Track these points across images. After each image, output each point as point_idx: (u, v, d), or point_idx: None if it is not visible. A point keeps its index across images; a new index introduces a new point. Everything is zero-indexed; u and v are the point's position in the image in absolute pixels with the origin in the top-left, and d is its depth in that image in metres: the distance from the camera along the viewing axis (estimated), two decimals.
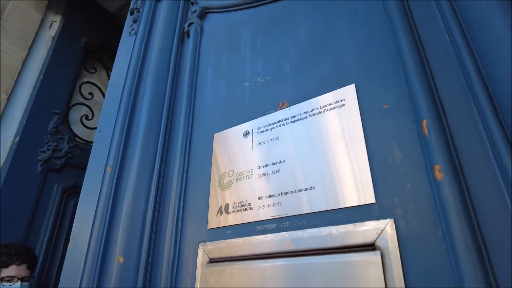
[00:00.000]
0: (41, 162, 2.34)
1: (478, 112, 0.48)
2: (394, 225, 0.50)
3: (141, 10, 1.31)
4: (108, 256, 0.81)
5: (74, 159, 2.55)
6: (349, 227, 0.53)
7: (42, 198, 2.32)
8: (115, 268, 0.77)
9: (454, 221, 0.44)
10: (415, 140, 0.53)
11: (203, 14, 1.09)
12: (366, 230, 0.51)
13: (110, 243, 0.84)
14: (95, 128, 2.86)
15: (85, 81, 2.86)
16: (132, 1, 1.37)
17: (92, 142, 2.77)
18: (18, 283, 1.68)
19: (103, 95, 3.00)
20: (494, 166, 0.44)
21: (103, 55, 3.07)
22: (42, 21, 2.67)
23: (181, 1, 1.21)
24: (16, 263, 1.70)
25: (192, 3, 1.15)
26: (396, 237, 0.49)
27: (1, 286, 1.66)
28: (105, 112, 1.13)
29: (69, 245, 0.93)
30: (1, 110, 2.23)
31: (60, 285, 0.88)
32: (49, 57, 2.60)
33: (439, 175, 0.47)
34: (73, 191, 2.51)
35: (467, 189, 0.46)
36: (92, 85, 2.92)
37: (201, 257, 0.68)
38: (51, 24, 2.77)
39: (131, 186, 0.87)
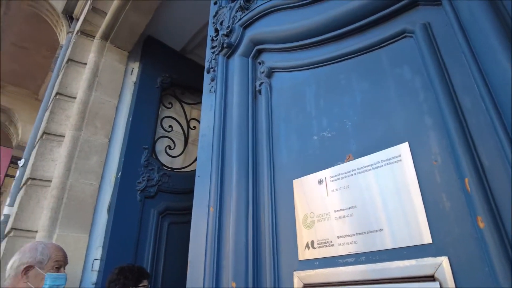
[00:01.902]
0: (139, 191, 2.79)
1: None
2: (448, 261, 0.65)
3: (216, 68, 1.57)
4: (222, 282, 1.07)
5: (164, 186, 2.97)
6: (412, 261, 0.70)
7: (143, 223, 2.75)
8: None
9: (496, 262, 0.59)
10: (460, 193, 0.67)
11: (271, 73, 1.31)
12: (426, 264, 0.68)
13: (221, 270, 1.09)
14: (177, 156, 3.29)
15: (164, 116, 3.29)
16: (206, 62, 1.64)
17: (176, 169, 3.20)
18: None
19: (181, 126, 3.42)
20: None
21: (176, 90, 3.50)
22: (125, 70, 3.15)
23: (249, 60, 1.45)
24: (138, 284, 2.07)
25: (260, 63, 1.39)
26: (451, 271, 0.64)
27: None
28: (200, 160, 1.41)
29: (188, 271, 1.21)
30: (106, 152, 2.71)
31: None
32: (134, 100, 3.07)
33: (481, 224, 0.62)
34: (166, 214, 2.94)
35: (506, 236, 0.60)
36: (171, 118, 3.35)
37: (297, 283, 0.89)
38: (132, 71, 3.26)
39: (232, 223, 1.12)
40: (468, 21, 0.79)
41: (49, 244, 1.77)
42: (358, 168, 0.87)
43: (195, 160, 3.43)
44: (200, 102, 3.77)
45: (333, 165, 0.93)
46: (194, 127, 3.62)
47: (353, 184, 0.86)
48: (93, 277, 2.48)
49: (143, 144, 2.95)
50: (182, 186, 3.13)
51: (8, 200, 2.79)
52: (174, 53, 3.65)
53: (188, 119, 3.58)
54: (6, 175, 6.44)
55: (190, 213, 3.13)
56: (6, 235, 2.55)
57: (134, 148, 2.86)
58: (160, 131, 3.23)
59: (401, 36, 0.92)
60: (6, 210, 2.73)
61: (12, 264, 1.67)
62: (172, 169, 3.19)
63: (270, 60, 1.36)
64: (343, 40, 1.06)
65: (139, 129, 2.97)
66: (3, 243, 2.50)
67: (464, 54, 0.77)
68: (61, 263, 1.77)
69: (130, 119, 2.95)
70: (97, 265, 2.51)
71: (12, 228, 2.39)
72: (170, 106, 3.43)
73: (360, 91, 0.95)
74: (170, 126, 3.32)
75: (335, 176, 0.92)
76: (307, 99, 1.11)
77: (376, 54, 0.96)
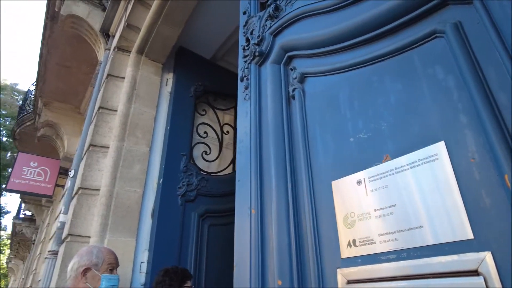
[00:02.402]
0: (180, 196, 2.92)
1: None
2: (492, 256, 0.67)
3: (249, 77, 1.64)
4: (268, 281, 1.13)
5: (202, 190, 3.09)
6: (454, 257, 0.72)
7: (185, 226, 2.88)
8: None
9: None
10: (501, 189, 0.69)
11: (303, 78, 1.36)
12: (468, 259, 0.70)
13: (266, 270, 1.16)
14: (213, 161, 3.41)
15: (199, 122, 3.42)
16: (239, 71, 1.72)
17: (212, 173, 3.31)
18: None
19: (215, 131, 3.54)
20: None
21: (209, 97, 3.62)
22: (161, 81, 3.31)
23: (281, 67, 1.51)
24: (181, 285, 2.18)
25: (291, 69, 1.44)
26: (495, 265, 0.66)
27: None
28: (240, 165, 1.48)
29: (234, 271, 1.28)
30: (148, 160, 2.87)
31: None
32: (170, 109, 3.22)
33: None
34: (206, 216, 3.05)
35: None
36: (205, 125, 3.47)
37: (340, 279, 0.94)
38: (167, 81, 3.42)
39: (274, 224, 1.18)
40: (500, 18, 0.80)
41: (102, 248, 1.92)
42: (396, 168, 0.90)
43: (230, 163, 3.54)
44: (232, 108, 3.90)
45: (371, 166, 0.97)
46: (227, 131, 3.72)
47: (391, 183, 0.89)
48: (141, 278, 2.64)
49: (181, 150, 3.09)
50: (219, 189, 3.24)
51: (62, 209, 3.04)
52: (205, 62, 3.79)
53: (222, 125, 3.69)
54: (56, 185, 6.92)
55: (229, 215, 3.25)
56: (63, 241, 2.78)
57: (173, 155, 3.01)
58: (196, 138, 3.36)
59: (432, 37, 0.94)
60: (61, 217, 2.97)
61: (72, 266, 1.83)
62: (209, 173, 3.31)
63: (301, 65, 1.41)
64: (373, 43, 1.09)
65: (176, 137, 3.11)
66: (61, 248, 2.72)
67: (497, 51, 0.78)
68: (113, 265, 1.92)
69: (168, 127, 3.11)
70: (144, 267, 2.67)
71: (68, 234, 2.60)
72: (204, 113, 3.56)
73: (393, 92, 0.98)
74: (205, 132, 3.44)
75: (373, 176, 0.95)
76: (341, 102, 1.15)
77: (407, 55, 0.98)
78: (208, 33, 3.50)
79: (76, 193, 2.83)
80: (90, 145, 2.87)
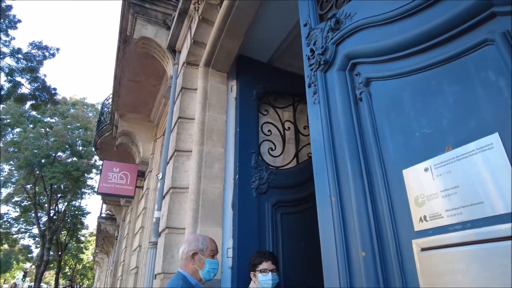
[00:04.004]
0: (254, 189, 3.28)
1: None
2: None
3: (316, 83, 1.90)
4: (352, 253, 1.40)
5: (272, 183, 3.42)
6: (508, 225, 0.93)
7: (260, 215, 3.23)
8: (361, 260, 1.34)
9: None
10: None
11: (368, 83, 1.59)
12: None
13: (349, 244, 1.42)
14: (278, 156, 3.72)
15: (263, 122, 3.74)
16: (306, 78, 1.98)
17: (279, 167, 3.62)
18: (270, 274, 2.53)
19: (277, 129, 3.84)
20: None
21: (269, 97, 3.93)
22: (227, 89, 3.69)
23: (346, 73, 1.74)
24: (265, 261, 2.55)
25: (356, 75, 1.67)
26: None
27: (260, 276, 2.53)
28: (315, 160, 1.75)
29: (322, 248, 1.57)
30: (224, 160, 3.27)
31: (324, 274, 1.51)
32: (238, 113, 3.58)
33: None
34: (278, 206, 3.38)
35: None
36: (268, 124, 3.79)
37: (415, 248, 1.18)
38: (231, 88, 3.78)
39: (354, 208, 1.44)
40: None
41: (206, 236, 2.33)
42: (457, 156, 1.11)
43: (294, 157, 3.82)
44: (290, 105, 4.17)
45: (436, 155, 1.18)
46: (289, 128, 4.01)
47: (454, 169, 1.11)
48: (229, 262, 3.05)
49: (251, 149, 3.45)
50: (287, 181, 3.55)
51: (156, 206, 3.57)
52: (262, 65, 4.10)
53: (283, 122, 3.99)
54: (136, 187, 7.81)
55: (297, 205, 3.56)
56: (160, 233, 3.29)
57: (245, 153, 3.38)
58: (261, 136, 3.70)
59: (484, 45, 1.12)
60: (156, 213, 3.51)
61: (183, 250, 2.26)
62: (276, 167, 3.63)
63: (365, 71, 1.63)
64: (429, 51, 1.29)
65: (245, 137, 3.48)
66: (161, 239, 3.24)
67: None
68: (214, 252, 2.32)
69: (238, 129, 3.48)
70: (230, 252, 3.08)
71: (166, 227, 3.10)
72: (266, 113, 3.88)
73: (451, 93, 1.18)
74: (269, 130, 3.77)
75: (438, 164, 1.17)
76: (404, 102, 1.37)
77: (462, 61, 1.17)
78: (264, 39, 3.80)
79: (167, 192, 3.33)
80: (175, 150, 3.35)
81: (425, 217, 1.17)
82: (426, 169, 1.21)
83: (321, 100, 1.83)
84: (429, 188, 1.18)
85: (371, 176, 1.44)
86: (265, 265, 2.51)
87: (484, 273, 0.97)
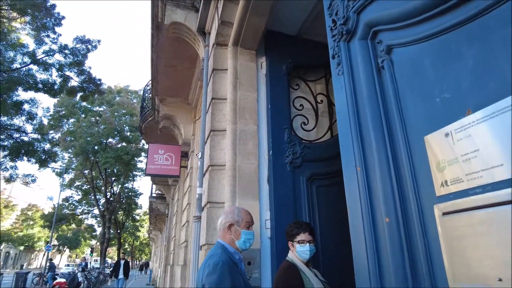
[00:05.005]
0: (288, 163, 3.36)
1: None
2: None
3: (339, 54, 1.89)
4: (377, 218, 1.44)
5: (306, 156, 3.47)
6: None
7: (296, 188, 3.32)
8: (385, 226, 1.39)
9: None
10: None
11: (389, 50, 1.56)
12: None
13: (374, 211, 1.47)
14: (311, 130, 3.74)
15: (295, 96, 3.76)
16: (330, 49, 1.98)
17: (312, 141, 3.65)
18: (307, 245, 2.62)
19: (309, 102, 3.84)
20: None
21: (299, 71, 3.91)
22: (256, 66, 3.72)
23: (368, 42, 1.72)
24: (303, 232, 2.64)
25: (378, 42, 1.64)
26: None
27: (298, 246, 2.63)
28: (341, 132, 1.78)
29: (349, 214, 1.62)
30: (257, 137, 3.36)
31: (352, 239, 1.58)
32: (269, 90, 3.62)
33: None
34: (312, 179, 3.44)
35: None
36: (300, 98, 3.79)
37: (437, 212, 1.20)
38: (261, 65, 3.81)
39: (378, 176, 1.47)
40: None
41: (242, 209, 2.48)
42: (477, 120, 1.09)
43: (328, 130, 3.82)
44: (323, 77, 4.13)
45: (456, 120, 1.17)
46: (321, 101, 3.98)
47: (474, 132, 1.10)
48: (267, 233, 3.21)
49: (283, 124, 3.50)
50: (320, 154, 3.58)
51: (197, 183, 3.80)
52: (291, 38, 4.05)
53: (315, 95, 3.96)
54: (181, 166, 8.25)
55: (332, 177, 3.61)
56: (203, 207, 3.52)
57: (277, 129, 3.45)
58: (293, 111, 3.73)
59: (505, 0, 1.07)
60: (198, 190, 3.73)
61: (221, 221, 2.43)
62: (310, 141, 3.66)
63: (386, 38, 1.60)
64: (450, 12, 1.24)
65: (277, 113, 3.53)
66: (204, 213, 3.46)
67: None
68: (250, 223, 2.46)
69: (269, 106, 3.54)
70: (268, 224, 3.23)
71: (208, 202, 3.31)
72: (297, 87, 3.88)
73: (470, 56, 1.14)
74: (301, 105, 3.78)
75: (458, 128, 1.16)
76: (425, 67, 1.34)
77: (482, 20, 1.13)
78: (291, 12, 3.74)
79: (207, 170, 3.52)
80: (211, 130, 3.50)
81: (446, 182, 1.18)
82: (446, 134, 1.20)
83: (345, 71, 1.82)
84: (450, 153, 1.18)
85: (394, 144, 1.45)
86: (302, 236, 2.61)
87: (504, 235, 0.98)
